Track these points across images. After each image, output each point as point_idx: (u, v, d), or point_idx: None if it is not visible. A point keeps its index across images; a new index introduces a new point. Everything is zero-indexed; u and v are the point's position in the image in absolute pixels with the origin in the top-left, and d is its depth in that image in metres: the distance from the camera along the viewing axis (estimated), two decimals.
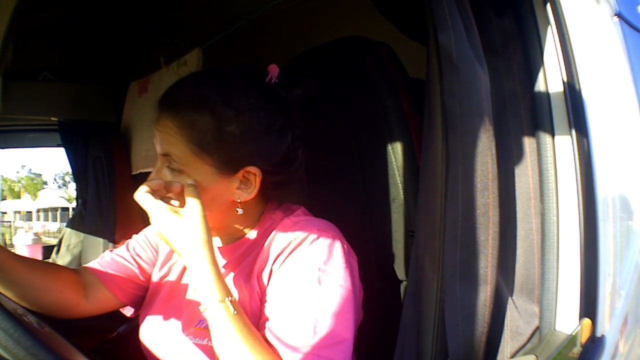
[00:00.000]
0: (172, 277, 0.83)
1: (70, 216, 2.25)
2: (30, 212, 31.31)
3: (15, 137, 2.45)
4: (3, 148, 2.60)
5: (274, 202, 0.81)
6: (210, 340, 0.65)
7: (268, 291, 0.69)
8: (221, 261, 0.77)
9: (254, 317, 0.69)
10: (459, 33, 0.59)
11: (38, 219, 29.03)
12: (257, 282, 0.71)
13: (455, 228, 0.59)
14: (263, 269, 0.70)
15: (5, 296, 0.75)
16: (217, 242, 0.80)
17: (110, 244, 1.79)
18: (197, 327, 0.72)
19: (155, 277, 0.85)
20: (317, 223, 0.73)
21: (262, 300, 0.70)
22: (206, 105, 0.68)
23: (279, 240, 0.71)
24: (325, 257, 0.68)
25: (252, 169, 0.71)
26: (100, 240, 1.85)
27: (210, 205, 0.70)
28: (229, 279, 0.74)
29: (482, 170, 0.61)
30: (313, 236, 0.69)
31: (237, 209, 0.72)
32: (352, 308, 0.67)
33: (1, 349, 0.48)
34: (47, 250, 2.63)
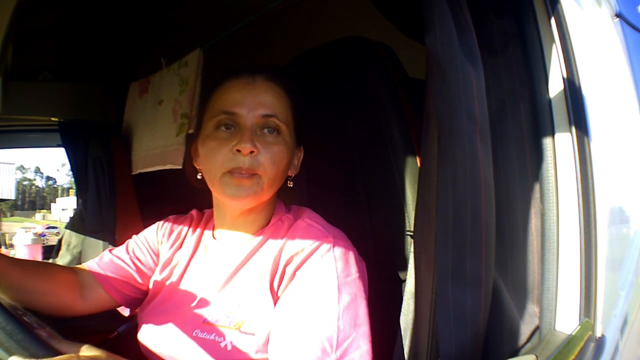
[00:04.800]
0: (173, 278, 0.83)
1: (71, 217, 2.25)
2: None
3: (15, 137, 2.45)
4: (3, 148, 2.60)
5: (281, 204, 0.83)
6: (217, 335, 0.66)
7: (283, 300, 0.69)
8: (238, 254, 0.77)
9: (263, 314, 0.69)
10: (447, 34, 0.58)
11: None
12: (269, 283, 0.71)
13: (446, 229, 0.59)
14: (276, 270, 0.71)
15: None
16: (234, 236, 0.81)
17: (110, 245, 1.79)
18: (204, 322, 0.72)
19: (156, 280, 0.85)
20: (331, 230, 0.74)
21: (274, 301, 0.70)
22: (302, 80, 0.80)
23: (291, 242, 0.72)
24: (342, 267, 0.68)
25: (301, 149, 0.82)
26: (100, 240, 1.85)
27: (282, 171, 0.76)
28: (243, 273, 0.75)
29: (472, 171, 0.60)
30: (327, 245, 0.70)
31: (290, 182, 0.80)
32: (368, 317, 0.68)
33: (2, 350, 0.49)
34: (47, 250, 2.63)
